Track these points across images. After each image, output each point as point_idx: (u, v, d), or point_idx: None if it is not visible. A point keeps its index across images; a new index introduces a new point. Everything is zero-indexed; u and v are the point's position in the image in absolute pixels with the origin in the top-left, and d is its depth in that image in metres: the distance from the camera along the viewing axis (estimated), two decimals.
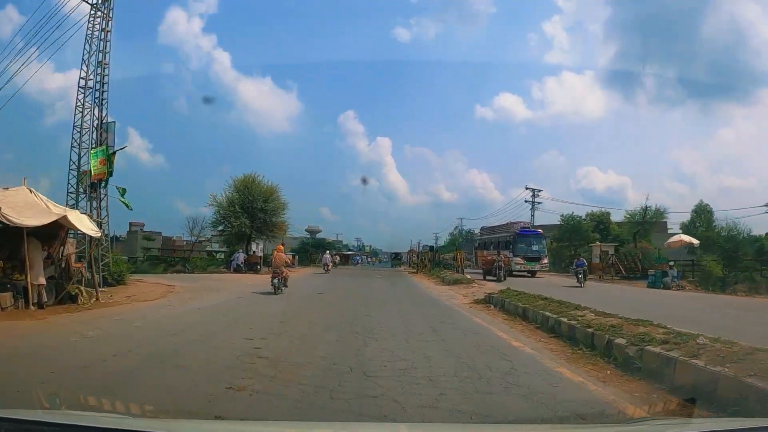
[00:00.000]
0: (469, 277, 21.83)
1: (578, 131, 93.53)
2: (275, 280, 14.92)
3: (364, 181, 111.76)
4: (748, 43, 63.77)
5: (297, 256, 51.32)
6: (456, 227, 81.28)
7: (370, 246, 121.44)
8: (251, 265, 30.55)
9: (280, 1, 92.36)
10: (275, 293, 14.57)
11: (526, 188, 45.69)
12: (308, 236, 70.22)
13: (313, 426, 3.36)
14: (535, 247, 25.09)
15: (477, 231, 74.95)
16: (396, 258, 67.13)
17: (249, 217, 30.50)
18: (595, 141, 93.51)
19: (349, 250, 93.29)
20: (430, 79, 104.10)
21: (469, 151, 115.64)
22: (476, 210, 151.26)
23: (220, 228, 31.43)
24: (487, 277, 21.49)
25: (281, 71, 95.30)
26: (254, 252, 32.33)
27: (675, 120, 76.47)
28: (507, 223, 28.70)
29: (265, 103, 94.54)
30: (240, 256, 29.81)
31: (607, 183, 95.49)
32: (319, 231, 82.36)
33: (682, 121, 79.75)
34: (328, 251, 39.40)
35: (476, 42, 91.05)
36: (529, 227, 26.75)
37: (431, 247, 35.38)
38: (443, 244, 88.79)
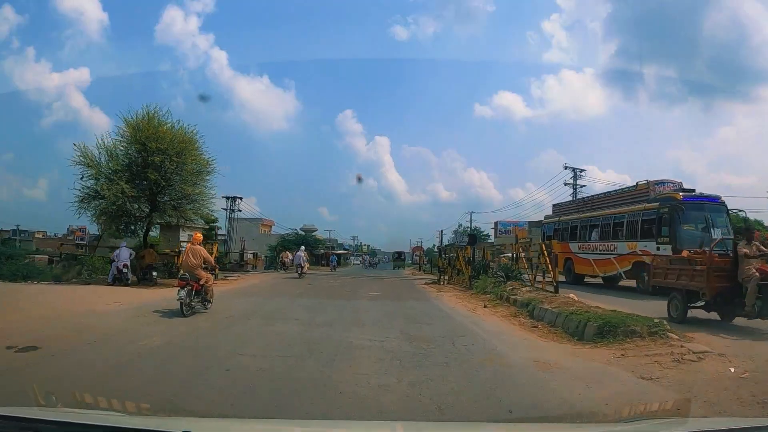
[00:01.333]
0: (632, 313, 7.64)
1: (577, 130, 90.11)
2: (182, 293, 8.45)
3: (359, 179, 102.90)
4: (749, 41, 61.35)
5: (263, 256, 38.79)
6: (459, 225, 70.17)
7: (368, 245, 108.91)
8: (145, 271, 16.79)
9: (278, 0, 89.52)
10: (183, 314, 8.29)
11: (566, 167, 37.19)
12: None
13: (312, 424, 3.31)
14: (717, 230, 11.04)
15: (485, 229, 62.86)
16: (398, 258, 53.11)
17: (144, 186, 16.90)
18: (594, 139, 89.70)
19: (345, 249, 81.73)
20: (429, 77, 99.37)
21: (467, 150, 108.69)
22: (474, 209, 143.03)
23: (95, 204, 17.29)
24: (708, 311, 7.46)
25: (278, 70, 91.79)
26: (152, 247, 18.42)
27: (675, 118, 74.02)
28: (639, 185, 14.01)
29: (262, 102, 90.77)
30: (122, 254, 16.06)
31: (606, 181, 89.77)
32: (315, 230, 73.06)
33: (682, 119, 77.77)
34: (303, 247, 26.67)
35: (475, 40, 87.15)
36: (693, 192, 12.48)
37: (473, 238, 20.54)
38: (448, 242, 76.94)
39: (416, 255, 62.61)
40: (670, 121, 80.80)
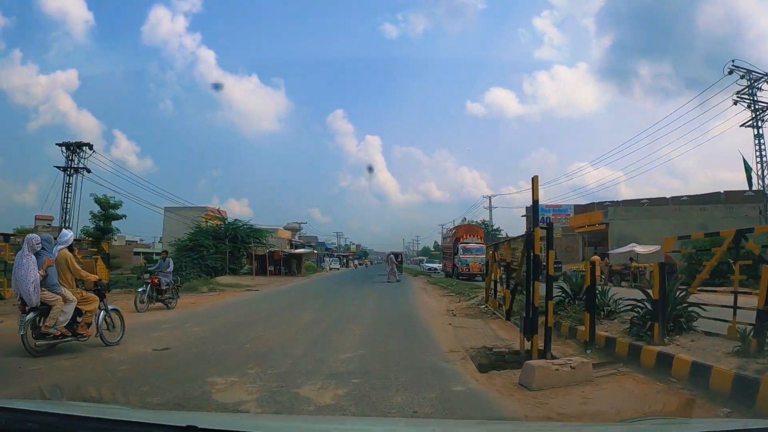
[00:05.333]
0: None
1: (571, 126, 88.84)
2: None
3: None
4: (745, 35, 62.59)
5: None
6: (463, 220, 67.13)
7: (358, 245, 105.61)
8: None
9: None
10: None
11: (732, 70, 21.40)
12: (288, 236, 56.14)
13: (318, 420, 3.21)
14: None
15: (498, 227, 50.75)
16: (395, 261, 46.66)
17: None
18: (588, 135, 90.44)
19: (327, 249, 69.77)
20: (419, 76, 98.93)
21: (460, 149, 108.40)
22: (469, 208, 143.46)
23: None
24: None
25: (267, 69, 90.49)
26: None
27: (670, 112, 76.90)
28: None
29: (252, 102, 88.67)
30: None
31: (599, 178, 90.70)
32: (299, 229, 68.80)
33: (677, 113, 76.84)
34: (31, 239, 6.31)
35: (466, 38, 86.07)
36: None
37: None
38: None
39: (466, 250, 27.03)
40: (664, 116, 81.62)
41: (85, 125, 79.37)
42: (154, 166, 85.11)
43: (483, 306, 11.34)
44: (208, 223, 30.49)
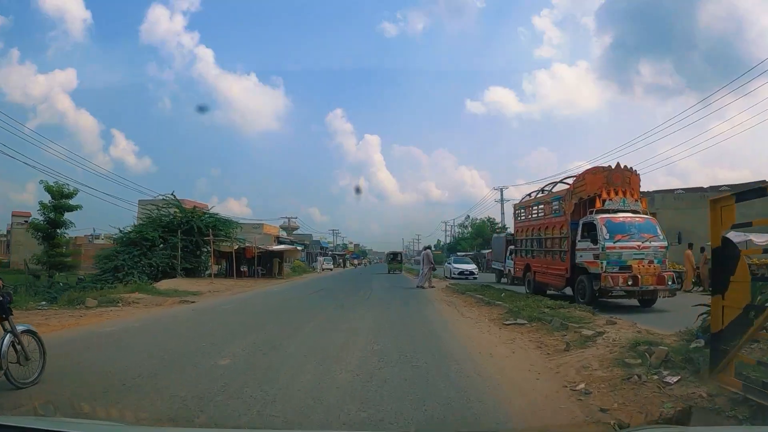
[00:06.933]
0: None
1: (571, 124, 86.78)
2: None
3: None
4: (746, 33, 61.43)
5: None
6: (466, 218, 63.93)
7: (357, 244, 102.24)
8: None
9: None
10: None
11: None
12: (284, 234, 53.29)
13: None
14: None
15: (504, 225, 46.11)
16: (394, 260, 44.27)
17: None
18: (588, 134, 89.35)
19: (322, 247, 67.17)
20: (418, 74, 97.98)
21: (459, 148, 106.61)
22: (466, 207, 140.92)
23: None
24: None
25: (267, 69, 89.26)
26: None
27: (670, 112, 73.19)
28: None
29: (250, 101, 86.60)
30: None
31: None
32: (296, 228, 65.58)
33: (677, 112, 76.30)
34: None
35: (466, 36, 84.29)
36: None
37: None
38: (450, 240, 71.04)
39: (618, 228, 10.52)
40: (665, 115, 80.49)
41: (84, 124, 77.85)
42: (153, 165, 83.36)
43: (687, 375, 4.05)
44: (161, 212, 24.48)
